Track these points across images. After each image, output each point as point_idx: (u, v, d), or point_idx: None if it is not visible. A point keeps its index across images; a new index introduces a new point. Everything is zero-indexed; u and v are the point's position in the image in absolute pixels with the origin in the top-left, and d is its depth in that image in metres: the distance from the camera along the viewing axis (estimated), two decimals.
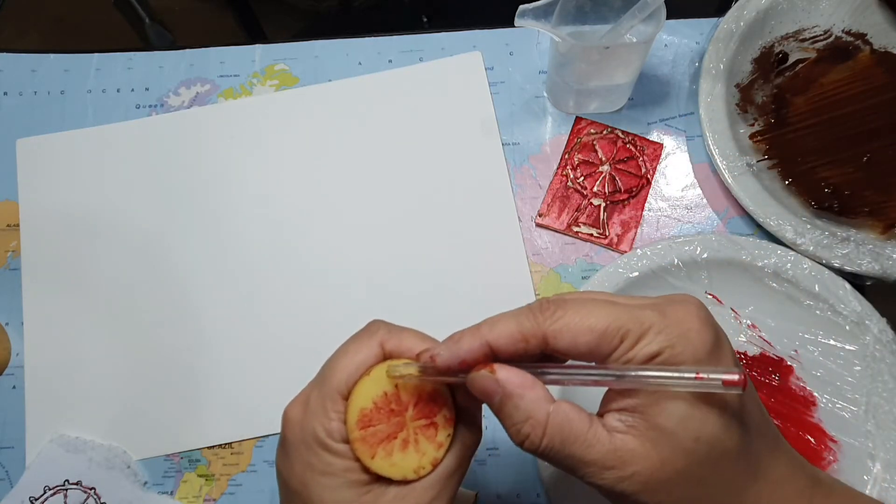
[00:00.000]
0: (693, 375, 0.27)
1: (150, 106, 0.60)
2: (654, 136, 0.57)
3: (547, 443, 0.29)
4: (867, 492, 0.47)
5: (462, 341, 0.31)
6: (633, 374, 0.28)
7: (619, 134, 0.57)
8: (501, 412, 0.30)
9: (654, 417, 0.28)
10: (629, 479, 0.28)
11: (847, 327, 0.49)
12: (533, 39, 0.60)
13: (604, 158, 0.56)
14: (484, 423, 0.51)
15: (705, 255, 0.51)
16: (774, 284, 0.51)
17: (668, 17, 0.48)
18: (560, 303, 0.30)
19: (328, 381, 0.33)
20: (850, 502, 0.33)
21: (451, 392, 0.34)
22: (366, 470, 0.32)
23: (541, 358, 0.31)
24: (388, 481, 0.33)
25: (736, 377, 0.26)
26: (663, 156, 0.57)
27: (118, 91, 0.61)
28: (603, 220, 0.55)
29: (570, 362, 0.31)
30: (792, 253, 0.50)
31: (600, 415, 0.30)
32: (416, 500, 0.32)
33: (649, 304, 0.30)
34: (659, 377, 0.28)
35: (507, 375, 0.30)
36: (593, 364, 0.30)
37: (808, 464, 0.33)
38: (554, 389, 0.33)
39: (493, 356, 0.31)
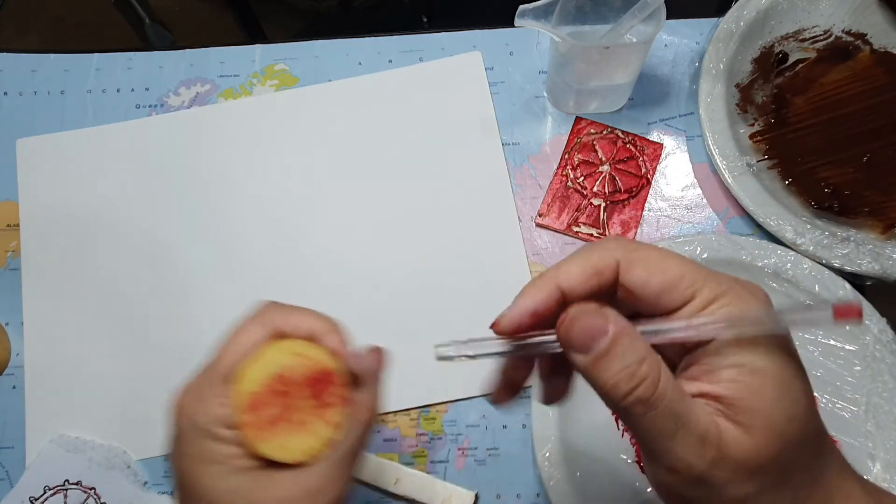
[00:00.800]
0: (829, 312, 0.24)
1: (150, 106, 0.60)
2: (654, 136, 0.57)
3: (662, 387, 0.25)
4: None
5: (527, 292, 0.27)
6: (721, 319, 0.25)
7: (619, 134, 0.57)
8: (611, 355, 0.25)
9: (743, 400, 0.25)
10: (721, 463, 0.25)
11: (847, 327, 0.49)
12: (533, 39, 0.60)
13: (604, 158, 0.57)
14: (483, 423, 0.52)
15: (705, 255, 0.51)
16: (774, 284, 0.51)
17: (668, 17, 0.48)
18: (634, 241, 0.28)
19: (215, 366, 0.32)
20: None
21: (344, 371, 0.33)
22: (256, 455, 0.31)
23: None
24: (281, 466, 0.32)
25: (854, 308, 0.23)
26: (663, 156, 0.57)
27: (118, 91, 0.61)
28: (603, 220, 0.55)
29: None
30: (792, 253, 0.50)
31: None
32: (311, 483, 0.31)
33: (724, 274, 0.27)
34: (779, 317, 0.25)
35: (616, 314, 0.26)
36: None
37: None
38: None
39: (565, 303, 0.27)
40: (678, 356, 0.28)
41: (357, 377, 0.34)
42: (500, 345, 0.28)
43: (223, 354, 0.33)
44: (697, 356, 0.27)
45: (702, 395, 0.26)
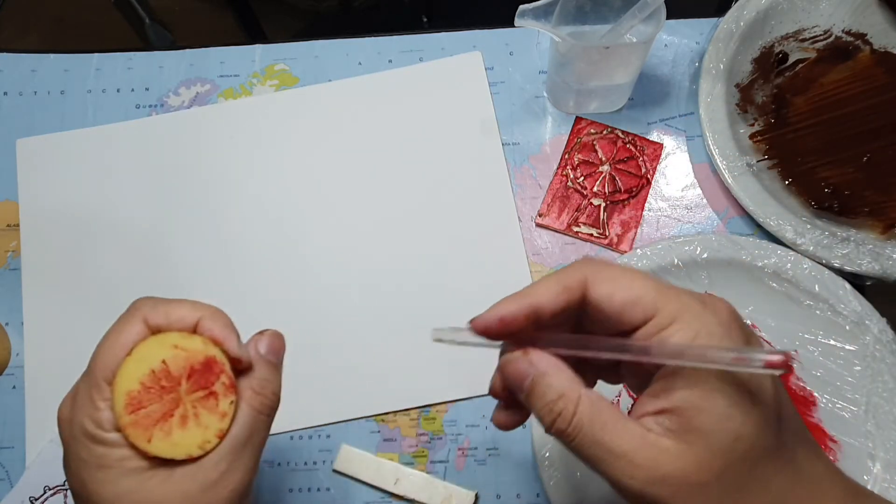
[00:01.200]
0: (731, 355, 0.26)
1: (150, 106, 0.60)
2: (654, 136, 0.57)
3: (578, 420, 0.28)
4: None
5: (501, 303, 0.30)
6: (667, 348, 0.27)
7: (619, 134, 0.57)
8: (533, 393, 0.29)
9: (691, 419, 0.26)
10: (661, 481, 0.26)
11: (847, 327, 0.49)
12: (533, 39, 0.60)
13: (604, 158, 0.57)
14: (483, 423, 0.52)
15: (705, 255, 0.51)
16: (774, 284, 0.51)
17: (668, 17, 0.48)
18: (605, 261, 0.30)
19: (92, 370, 0.31)
20: None
21: (228, 357, 0.32)
22: (145, 455, 0.30)
23: (575, 328, 0.31)
24: (173, 463, 0.31)
25: (777, 358, 0.25)
26: (663, 156, 0.57)
27: (118, 91, 0.61)
28: (603, 220, 0.55)
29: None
30: (792, 253, 0.50)
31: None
32: (206, 476, 0.31)
33: (688, 292, 0.29)
34: (695, 354, 0.26)
35: (539, 356, 0.29)
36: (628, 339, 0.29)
37: (846, 476, 0.31)
38: None
39: (536, 318, 0.30)
40: (653, 372, 0.29)
41: (244, 363, 0.33)
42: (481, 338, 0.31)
43: (99, 356, 0.32)
44: (661, 373, 0.28)
45: (659, 411, 0.27)
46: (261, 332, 0.35)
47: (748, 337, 0.29)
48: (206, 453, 0.31)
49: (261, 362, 0.34)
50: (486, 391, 0.34)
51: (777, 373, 0.25)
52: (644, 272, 0.30)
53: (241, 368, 0.33)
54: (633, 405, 0.30)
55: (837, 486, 0.29)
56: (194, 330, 0.32)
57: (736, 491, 0.27)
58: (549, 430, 0.29)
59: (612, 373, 0.33)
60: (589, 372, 0.32)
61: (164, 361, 0.31)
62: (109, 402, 0.31)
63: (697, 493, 0.26)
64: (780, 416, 0.28)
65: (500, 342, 0.31)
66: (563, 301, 0.29)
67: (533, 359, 0.29)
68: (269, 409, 0.34)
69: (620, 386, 0.49)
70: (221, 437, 0.31)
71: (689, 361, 0.27)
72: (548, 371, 0.29)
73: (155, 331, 0.32)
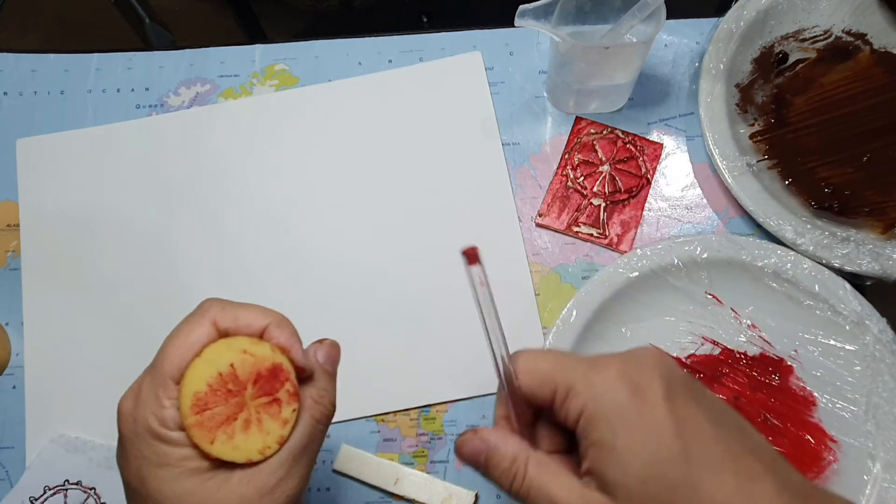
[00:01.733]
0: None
1: (150, 106, 0.60)
2: (654, 136, 0.57)
3: (528, 478, 0.31)
4: (867, 492, 0.47)
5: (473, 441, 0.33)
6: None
7: (619, 134, 0.57)
8: (490, 465, 0.32)
9: (604, 475, 0.29)
10: None
11: (847, 327, 0.49)
12: (533, 39, 0.60)
13: (604, 158, 0.57)
14: (483, 423, 0.51)
15: (705, 255, 0.51)
16: (774, 284, 0.51)
17: (668, 17, 0.48)
18: (527, 351, 0.33)
19: (159, 367, 0.32)
20: None
21: (293, 365, 0.33)
22: (206, 456, 0.31)
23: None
24: (232, 466, 0.31)
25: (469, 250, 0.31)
26: (663, 156, 0.57)
27: (118, 91, 0.61)
28: (603, 220, 0.55)
29: None
30: (792, 253, 0.50)
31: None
32: (264, 482, 0.31)
33: (587, 360, 0.31)
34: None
35: (487, 433, 0.32)
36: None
37: (797, 475, 0.31)
38: None
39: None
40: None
41: (307, 372, 0.33)
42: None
43: (166, 355, 0.32)
44: (578, 437, 0.31)
45: (586, 471, 0.30)
46: (319, 342, 0.36)
47: (634, 390, 0.30)
48: (266, 459, 0.31)
49: (321, 372, 0.35)
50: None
51: (471, 267, 0.32)
52: (556, 352, 0.34)
53: (302, 377, 0.33)
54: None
55: (770, 484, 0.30)
56: (261, 335, 0.33)
57: None
58: (508, 491, 0.32)
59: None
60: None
61: (232, 365, 0.31)
62: (175, 401, 0.31)
63: None
64: (684, 440, 0.29)
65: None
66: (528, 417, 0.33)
67: (483, 436, 0.33)
68: (327, 418, 0.34)
69: None
70: (281, 444, 0.32)
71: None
72: (497, 444, 0.32)
73: (223, 333, 0.32)
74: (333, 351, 0.36)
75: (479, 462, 0.32)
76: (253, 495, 0.31)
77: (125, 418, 0.32)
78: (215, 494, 0.31)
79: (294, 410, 0.32)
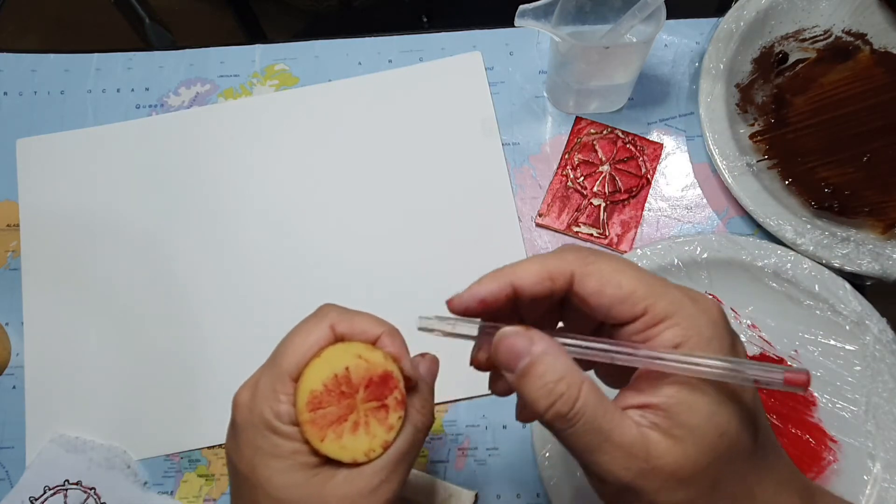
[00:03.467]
0: (752, 375, 0.26)
1: (150, 106, 0.60)
2: (654, 136, 0.57)
3: (581, 405, 0.27)
4: (867, 492, 0.47)
5: (482, 281, 0.29)
6: (680, 360, 0.27)
7: (619, 134, 0.57)
8: (531, 373, 0.28)
9: (679, 415, 0.27)
10: (650, 473, 0.27)
11: (847, 327, 0.49)
12: (533, 39, 0.60)
13: (604, 158, 0.57)
14: (483, 423, 0.52)
15: (705, 255, 0.51)
16: (774, 284, 0.51)
17: (668, 17, 0.48)
18: (594, 252, 0.29)
19: (278, 364, 0.33)
20: None
21: (402, 375, 0.34)
22: (315, 452, 0.32)
23: (559, 317, 0.30)
24: (337, 464, 0.32)
25: (803, 377, 0.25)
26: (663, 156, 0.57)
27: (118, 91, 0.61)
28: (603, 220, 0.55)
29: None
30: (792, 253, 0.50)
31: None
32: (366, 483, 0.32)
33: (679, 288, 0.28)
34: (706, 369, 0.26)
35: (539, 335, 0.28)
36: (629, 343, 0.28)
37: (801, 474, 0.32)
38: None
39: (516, 301, 0.29)
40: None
41: (413, 382, 0.35)
42: (472, 328, 0.31)
43: (286, 352, 0.33)
44: (645, 368, 0.28)
45: (644, 405, 0.27)
46: (422, 355, 0.37)
47: (733, 338, 0.29)
48: (370, 461, 0.33)
49: (423, 383, 0.36)
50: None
51: (797, 391, 0.26)
52: (632, 263, 0.30)
53: (408, 386, 0.34)
54: (620, 392, 0.30)
55: (798, 485, 0.31)
56: (374, 343, 0.34)
57: (716, 485, 0.27)
58: (544, 413, 0.27)
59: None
60: None
61: (347, 368, 0.33)
62: (290, 397, 0.32)
63: (682, 486, 0.27)
64: (757, 419, 0.29)
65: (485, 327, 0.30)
66: (545, 289, 0.29)
67: (534, 336, 0.28)
68: (427, 428, 0.35)
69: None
70: (385, 448, 0.33)
71: (698, 373, 0.27)
72: (549, 351, 0.28)
73: (339, 338, 0.34)
74: (434, 365, 0.37)
75: (516, 366, 0.28)
76: (355, 495, 0.32)
77: (241, 409, 0.33)
78: (320, 490, 0.32)
79: (400, 417, 0.33)
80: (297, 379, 0.33)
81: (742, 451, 0.28)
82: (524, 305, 0.30)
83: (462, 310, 0.30)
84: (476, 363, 0.33)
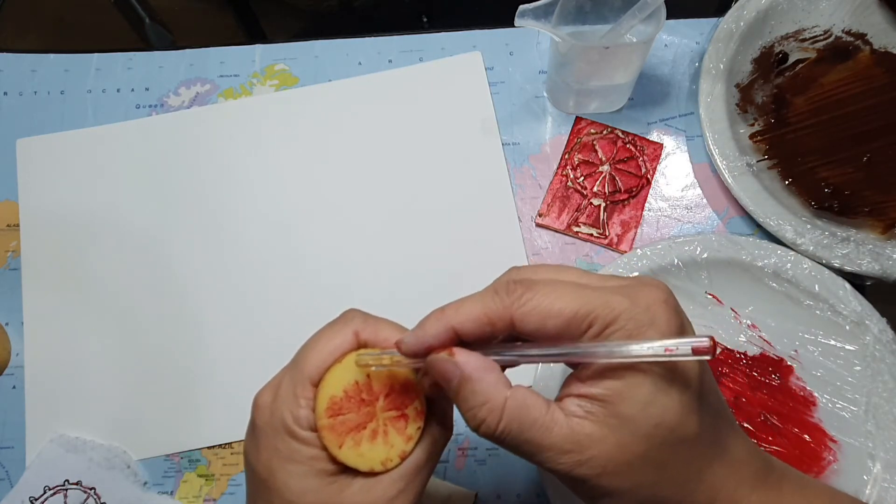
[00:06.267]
0: (662, 348, 0.27)
1: (150, 106, 0.60)
2: (654, 136, 0.57)
3: (503, 427, 0.29)
4: (867, 492, 0.47)
5: (427, 326, 0.30)
6: (599, 349, 0.28)
7: (619, 134, 0.57)
8: (458, 396, 0.30)
9: (615, 405, 0.28)
10: (586, 463, 0.28)
11: (847, 327, 0.49)
12: (533, 39, 0.60)
13: (604, 158, 0.57)
14: None
15: (705, 255, 0.51)
16: (774, 284, 0.51)
17: (668, 17, 0.48)
18: (528, 284, 0.30)
19: (300, 368, 0.33)
20: (802, 486, 0.33)
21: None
22: (333, 459, 0.32)
23: (509, 339, 0.31)
24: (354, 472, 0.32)
25: (706, 343, 0.26)
26: (663, 156, 0.57)
27: (118, 91, 0.61)
28: (603, 220, 0.55)
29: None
30: (792, 253, 0.50)
31: (559, 400, 0.30)
32: (382, 493, 0.32)
33: (618, 288, 0.29)
34: (625, 352, 0.27)
35: (466, 359, 0.30)
36: (558, 343, 0.30)
37: (761, 450, 0.33)
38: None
39: (459, 340, 0.30)
40: None
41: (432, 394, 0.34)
42: (410, 362, 0.32)
43: (307, 357, 0.33)
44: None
45: (583, 395, 0.29)
46: (436, 355, 0.36)
47: (680, 318, 0.29)
48: (386, 470, 0.32)
49: (444, 395, 0.35)
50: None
51: (704, 358, 0.27)
52: (569, 272, 0.31)
53: (428, 397, 0.34)
54: (564, 381, 0.31)
55: (757, 466, 0.31)
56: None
57: (660, 470, 0.29)
58: (474, 431, 0.30)
59: None
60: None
61: (369, 376, 0.33)
62: (310, 401, 0.32)
63: (622, 472, 0.28)
64: (704, 399, 0.29)
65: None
66: (486, 333, 0.30)
67: (458, 360, 0.30)
68: (446, 440, 0.35)
69: None
70: (403, 459, 0.33)
71: (621, 358, 0.28)
72: (472, 376, 0.29)
73: (362, 344, 0.33)
74: (445, 364, 0.37)
75: (449, 386, 0.30)
76: None
77: (262, 411, 0.33)
78: (336, 497, 0.32)
79: (419, 428, 0.33)
80: (318, 384, 0.32)
81: (684, 438, 0.29)
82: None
83: (412, 354, 0.31)
84: (425, 389, 0.33)
